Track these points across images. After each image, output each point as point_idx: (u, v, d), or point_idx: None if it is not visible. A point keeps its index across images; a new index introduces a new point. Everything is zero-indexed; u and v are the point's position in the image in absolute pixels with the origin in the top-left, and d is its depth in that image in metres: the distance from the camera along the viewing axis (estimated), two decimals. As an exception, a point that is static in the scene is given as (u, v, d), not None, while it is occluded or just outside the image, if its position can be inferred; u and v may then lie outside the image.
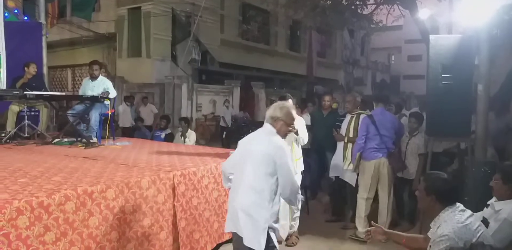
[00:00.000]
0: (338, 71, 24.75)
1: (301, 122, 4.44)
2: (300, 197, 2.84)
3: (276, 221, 2.72)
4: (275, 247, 2.66)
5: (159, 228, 3.46)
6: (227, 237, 4.22)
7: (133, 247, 3.21)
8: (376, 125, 4.59)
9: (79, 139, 5.57)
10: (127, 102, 10.64)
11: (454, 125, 4.25)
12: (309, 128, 4.89)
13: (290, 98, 4.42)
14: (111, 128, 5.96)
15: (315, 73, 20.31)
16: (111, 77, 12.41)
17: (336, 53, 24.76)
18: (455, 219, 2.27)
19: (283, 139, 2.85)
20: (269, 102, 13.96)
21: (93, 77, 5.93)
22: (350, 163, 4.77)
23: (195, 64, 13.94)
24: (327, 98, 5.82)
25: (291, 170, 2.70)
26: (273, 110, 2.85)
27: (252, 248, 2.60)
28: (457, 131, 4.29)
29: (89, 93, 5.79)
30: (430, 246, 2.37)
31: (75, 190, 2.87)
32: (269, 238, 2.62)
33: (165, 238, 3.49)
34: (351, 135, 4.85)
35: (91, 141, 5.38)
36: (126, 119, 10.05)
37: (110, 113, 5.90)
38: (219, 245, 4.16)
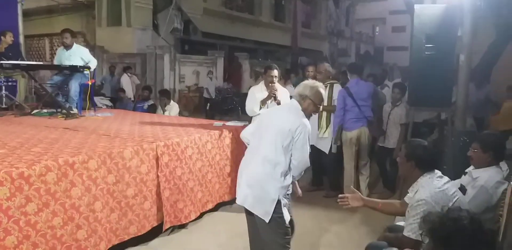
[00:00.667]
0: (322, 42, 24.54)
1: (285, 94, 4.43)
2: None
3: (286, 196, 2.73)
4: (282, 218, 2.65)
5: (143, 198, 3.47)
6: (210, 206, 4.28)
7: (117, 217, 3.22)
8: (353, 96, 4.71)
9: (59, 109, 5.45)
10: (128, 73, 10.47)
11: (436, 95, 4.28)
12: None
13: (276, 68, 4.37)
14: (92, 98, 5.84)
15: (300, 44, 20.08)
16: (91, 46, 12.06)
17: (321, 24, 24.44)
18: (432, 184, 2.34)
19: (307, 119, 2.81)
20: (253, 74, 13.86)
21: (66, 46, 5.72)
22: (325, 131, 4.91)
23: (177, 34, 13.61)
24: (310, 69, 5.77)
25: (306, 147, 2.69)
26: (303, 88, 2.81)
27: (260, 217, 2.63)
28: (438, 101, 4.33)
29: (66, 63, 5.61)
30: (408, 211, 2.44)
31: (56, 161, 2.83)
32: (277, 209, 2.62)
33: (149, 208, 3.52)
34: (325, 103, 4.86)
35: (71, 111, 5.28)
36: (129, 90, 9.96)
37: (90, 83, 5.76)
38: (203, 214, 4.22)
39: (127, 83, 10.24)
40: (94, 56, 5.99)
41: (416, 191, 2.40)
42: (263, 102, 4.33)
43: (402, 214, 2.49)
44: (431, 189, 2.31)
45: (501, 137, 2.91)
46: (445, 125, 4.97)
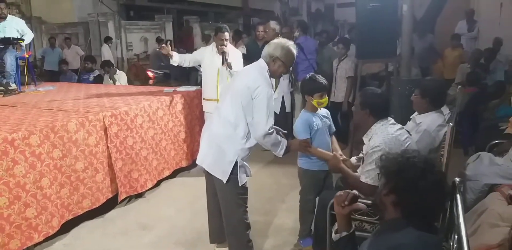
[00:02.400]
0: (273, 1, 24.01)
1: (237, 55, 4.33)
2: (274, 140, 2.60)
3: (246, 159, 2.63)
4: (238, 179, 2.56)
5: (94, 171, 3.38)
6: (167, 173, 4.25)
7: (68, 192, 3.13)
8: (304, 50, 5.02)
9: (-5, 86, 5.11)
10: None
11: (381, 47, 4.34)
12: (246, 58, 4.82)
13: (227, 30, 4.24)
14: (31, 72, 5.51)
15: (251, 4, 19.59)
16: (27, 18, 11.20)
17: (270, -17, 23.84)
18: (385, 131, 2.39)
19: (272, 79, 2.64)
20: (204, 37, 13.48)
21: (1, 18, 5.28)
22: (276, 89, 4.93)
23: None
24: (260, 28, 5.66)
25: (264, 111, 2.49)
26: (274, 48, 2.59)
27: (217, 177, 2.57)
28: (384, 53, 4.41)
29: (0, 36, 5.20)
30: (363, 160, 2.50)
31: (-7, 139, 2.67)
32: (234, 170, 2.54)
33: (101, 180, 3.44)
34: None
35: (10, 87, 4.96)
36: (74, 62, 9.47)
37: (27, 56, 5.41)
38: (160, 182, 4.19)
39: (71, 55, 9.70)
40: (31, 28, 5.59)
41: (370, 138, 2.45)
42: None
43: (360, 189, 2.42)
44: (385, 135, 2.36)
45: (439, 84, 2.99)
46: (392, 76, 5.09)
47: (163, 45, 4.19)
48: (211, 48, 4.34)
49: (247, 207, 2.71)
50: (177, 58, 4.24)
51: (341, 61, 5.23)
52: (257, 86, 2.48)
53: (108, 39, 10.45)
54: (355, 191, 1.64)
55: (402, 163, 1.47)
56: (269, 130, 2.52)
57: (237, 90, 2.55)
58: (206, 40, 11.00)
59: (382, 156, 1.63)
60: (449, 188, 1.51)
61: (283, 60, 2.57)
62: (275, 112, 4.87)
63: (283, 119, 5.05)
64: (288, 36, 5.29)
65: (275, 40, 2.67)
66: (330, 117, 3.04)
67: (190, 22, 15.14)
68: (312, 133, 2.88)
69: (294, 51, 2.61)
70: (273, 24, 5.01)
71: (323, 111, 3.01)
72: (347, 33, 9.86)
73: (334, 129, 3.06)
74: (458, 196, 1.82)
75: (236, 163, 2.55)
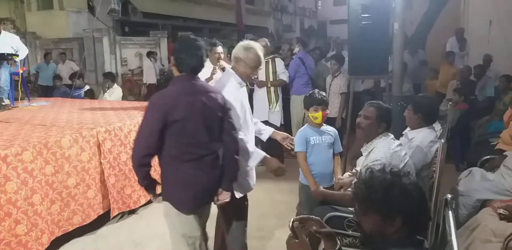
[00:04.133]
0: (267, 18, 24.35)
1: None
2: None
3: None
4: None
5: (86, 187, 3.35)
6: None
7: (59, 208, 3.10)
8: (305, 65, 5.41)
9: (-12, 102, 5.09)
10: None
11: (373, 63, 4.40)
12: None
13: (220, 45, 4.34)
14: (25, 87, 5.51)
15: (245, 21, 19.83)
16: (21, 33, 11.29)
17: (265, 0, 24.20)
18: (387, 145, 2.44)
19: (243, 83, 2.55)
20: (198, 53, 13.61)
21: None
22: (275, 105, 5.15)
23: (115, 15, 12.98)
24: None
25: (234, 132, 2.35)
26: (237, 49, 2.52)
27: None
28: (376, 69, 4.47)
29: (-6, 52, 5.22)
30: (360, 174, 2.50)
31: (-15, 156, 2.66)
32: None
33: (93, 196, 3.41)
34: (271, 79, 5.17)
35: (3, 103, 4.94)
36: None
37: (21, 72, 5.41)
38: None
39: (65, 70, 9.71)
40: (26, 44, 5.61)
41: (370, 151, 2.49)
42: (207, 80, 4.27)
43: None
44: (386, 150, 2.41)
45: (431, 100, 3.06)
46: (384, 92, 5.15)
47: None
48: (206, 64, 4.38)
49: None
50: None
51: (335, 77, 5.32)
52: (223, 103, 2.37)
53: (150, 54, 10.87)
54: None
55: (368, 182, 1.42)
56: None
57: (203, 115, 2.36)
58: (200, 56, 11.10)
59: (356, 183, 1.57)
60: (423, 190, 1.47)
61: (246, 61, 2.49)
62: (275, 126, 4.99)
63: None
64: (287, 52, 5.54)
65: (240, 43, 2.59)
66: (336, 136, 3.05)
67: (185, 38, 15.25)
68: (308, 147, 2.90)
69: (258, 52, 2.50)
70: (266, 42, 5.10)
71: (330, 128, 3.03)
72: (341, 49, 9.99)
73: (341, 149, 3.07)
74: (450, 212, 1.84)
75: None
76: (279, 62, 5.20)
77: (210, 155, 2.27)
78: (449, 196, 1.96)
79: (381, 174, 1.43)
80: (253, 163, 2.55)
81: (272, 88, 5.15)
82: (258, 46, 2.54)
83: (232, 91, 2.47)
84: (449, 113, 4.04)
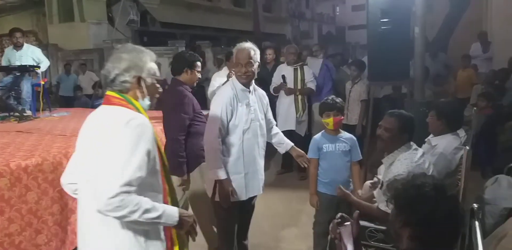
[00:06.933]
0: (284, 25, 24.44)
1: None
2: None
3: None
4: None
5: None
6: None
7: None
8: (330, 72, 5.52)
9: (11, 113, 5.20)
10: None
11: (394, 69, 4.29)
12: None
13: None
14: (46, 98, 5.62)
15: (262, 28, 19.89)
16: (43, 45, 11.58)
17: (282, 7, 24.29)
18: (409, 158, 2.34)
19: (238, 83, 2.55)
20: (216, 62, 13.67)
21: (18, 46, 5.48)
22: (302, 114, 5.07)
23: (134, 26, 13.22)
24: (269, 51, 5.78)
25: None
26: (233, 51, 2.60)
27: None
28: (397, 75, 4.36)
29: (17, 64, 5.37)
30: (381, 185, 2.43)
31: (7, 166, 2.70)
32: None
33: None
34: (299, 86, 5.05)
35: (25, 114, 5.05)
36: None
37: (43, 83, 5.53)
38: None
39: (85, 81, 9.88)
40: (47, 55, 5.77)
41: (392, 163, 2.39)
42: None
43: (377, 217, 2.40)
44: (408, 163, 2.31)
45: (455, 105, 2.96)
46: (405, 98, 5.04)
47: None
48: (224, 71, 4.40)
49: None
50: None
51: (355, 83, 5.18)
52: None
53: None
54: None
55: (412, 194, 1.40)
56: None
57: None
58: (218, 64, 11.14)
59: (389, 185, 1.56)
60: (464, 211, 1.43)
61: (234, 59, 2.54)
62: (299, 135, 5.00)
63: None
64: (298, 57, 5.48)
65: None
66: (354, 143, 2.95)
67: (202, 47, 15.41)
68: (321, 154, 2.85)
69: (240, 46, 2.51)
70: (292, 48, 5.13)
71: (347, 135, 2.95)
72: (360, 56, 9.89)
73: (359, 157, 2.96)
74: (476, 223, 1.76)
75: None
76: (307, 70, 5.12)
77: None
78: (475, 205, 1.88)
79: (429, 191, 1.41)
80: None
81: (299, 97, 5.07)
82: (246, 44, 2.53)
83: (219, 95, 2.62)
84: (474, 119, 3.92)
